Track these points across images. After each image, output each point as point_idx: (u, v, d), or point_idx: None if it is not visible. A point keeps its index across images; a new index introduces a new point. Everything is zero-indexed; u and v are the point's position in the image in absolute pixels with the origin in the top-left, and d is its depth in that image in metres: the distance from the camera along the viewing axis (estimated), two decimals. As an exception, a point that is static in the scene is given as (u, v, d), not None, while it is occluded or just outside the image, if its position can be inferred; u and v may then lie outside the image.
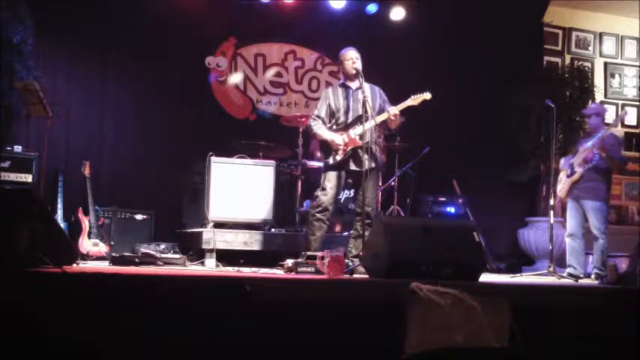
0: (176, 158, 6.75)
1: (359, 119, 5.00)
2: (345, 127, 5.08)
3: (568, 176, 5.91)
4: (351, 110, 5.09)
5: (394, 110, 5.00)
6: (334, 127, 5.12)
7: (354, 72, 5.03)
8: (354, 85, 5.13)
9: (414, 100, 5.07)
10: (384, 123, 5.10)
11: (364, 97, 4.80)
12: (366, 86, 4.95)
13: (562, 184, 5.96)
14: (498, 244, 7.55)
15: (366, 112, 4.81)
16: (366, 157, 4.86)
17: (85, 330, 2.68)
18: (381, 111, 5.08)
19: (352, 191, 5.55)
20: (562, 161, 6.08)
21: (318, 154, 5.36)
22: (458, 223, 4.95)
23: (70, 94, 6.71)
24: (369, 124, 4.89)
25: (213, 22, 7.18)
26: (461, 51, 7.72)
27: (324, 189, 5.04)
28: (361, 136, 4.91)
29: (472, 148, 7.62)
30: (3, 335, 2.58)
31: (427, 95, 5.07)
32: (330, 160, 5.05)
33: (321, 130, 5.12)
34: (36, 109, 5.87)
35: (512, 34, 7.87)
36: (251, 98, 7.61)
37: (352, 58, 5.05)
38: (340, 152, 5.02)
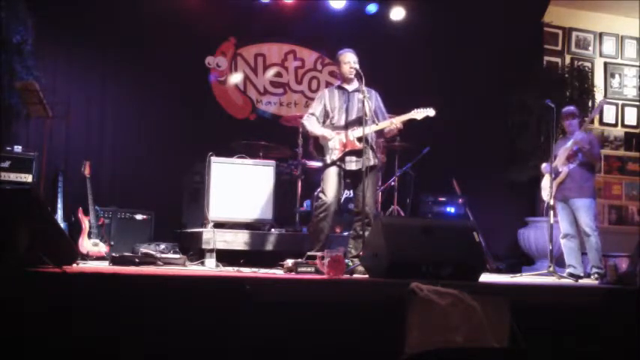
0: (176, 158, 6.75)
1: (358, 121, 4.99)
2: (344, 127, 5.06)
3: (553, 179, 5.92)
4: (347, 111, 5.08)
5: (398, 120, 4.99)
6: (329, 126, 5.11)
7: (351, 76, 5.04)
8: (350, 87, 5.14)
9: (416, 114, 5.03)
10: (380, 130, 5.09)
11: (364, 98, 4.80)
12: (364, 89, 4.95)
13: (547, 190, 5.97)
14: (498, 244, 7.54)
15: (365, 114, 4.81)
16: (364, 156, 4.85)
17: (85, 330, 2.68)
18: (375, 115, 5.07)
19: (351, 191, 5.54)
20: (543, 165, 6.11)
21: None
22: (458, 223, 4.95)
23: (70, 94, 6.71)
24: (369, 130, 4.88)
25: (213, 22, 7.18)
26: (461, 51, 7.72)
27: (323, 191, 5.03)
28: (360, 139, 4.90)
29: (472, 148, 7.62)
30: (3, 335, 2.58)
31: (431, 112, 5.04)
32: (328, 160, 5.05)
33: (313, 126, 5.11)
34: (36, 109, 5.87)
35: (512, 34, 7.87)
36: (251, 98, 7.60)
37: (350, 62, 5.05)
38: (337, 152, 5.01)
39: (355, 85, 5.09)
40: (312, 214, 5.31)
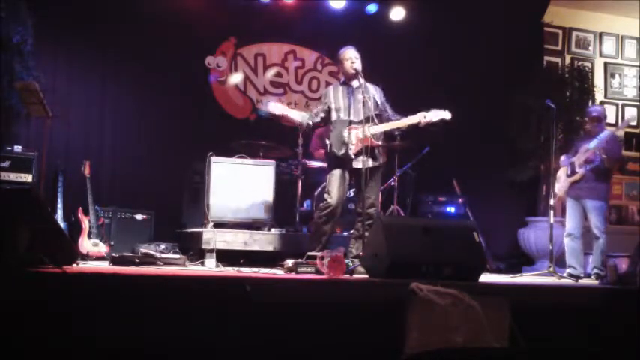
0: (176, 158, 6.75)
1: (368, 119, 4.86)
2: (349, 125, 5.01)
3: (568, 175, 5.93)
4: (353, 109, 5.04)
5: (421, 122, 4.97)
6: (338, 122, 5.06)
7: (353, 72, 5.01)
8: (354, 83, 5.10)
9: (434, 115, 4.97)
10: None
11: (364, 97, 4.79)
12: (369, 86, 4.92)
13: (561, 183, 5.98)
14: (498, 244, 7.54)
15: (368, 112, 4.79)
16: (368, 156, 4.84)
17: (85, 330, 2.68)
18: (380, 111, 5.06)
19: (353, 191, 5.52)
20: (562, 158, 6.11)
21: (322, 152, 5.29)
22: (458, 223, 4.95)
23: (70, 94, 6.71)
24: (376, 129, 4.85)
25: (213, 22, 7.18)
26: (461, 51, 7.72)
27: (329, 192, 4.99)
28: (377, 137, 4.87)
29: (472, 148, 7.62)
30: (3, 335, 2.58)
31: (447, 115, 5.00)
32: (342, 152, 4.94)
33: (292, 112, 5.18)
34: (36, 109, 5.87)
35: (512, 34, 7.87)
36: (251, 98, 7.61)
37: (351, 58, 5.03)
38: (354, 147, 4.93)
39: (359, 82, 5.02)
40: (314, 214, 5.29)
